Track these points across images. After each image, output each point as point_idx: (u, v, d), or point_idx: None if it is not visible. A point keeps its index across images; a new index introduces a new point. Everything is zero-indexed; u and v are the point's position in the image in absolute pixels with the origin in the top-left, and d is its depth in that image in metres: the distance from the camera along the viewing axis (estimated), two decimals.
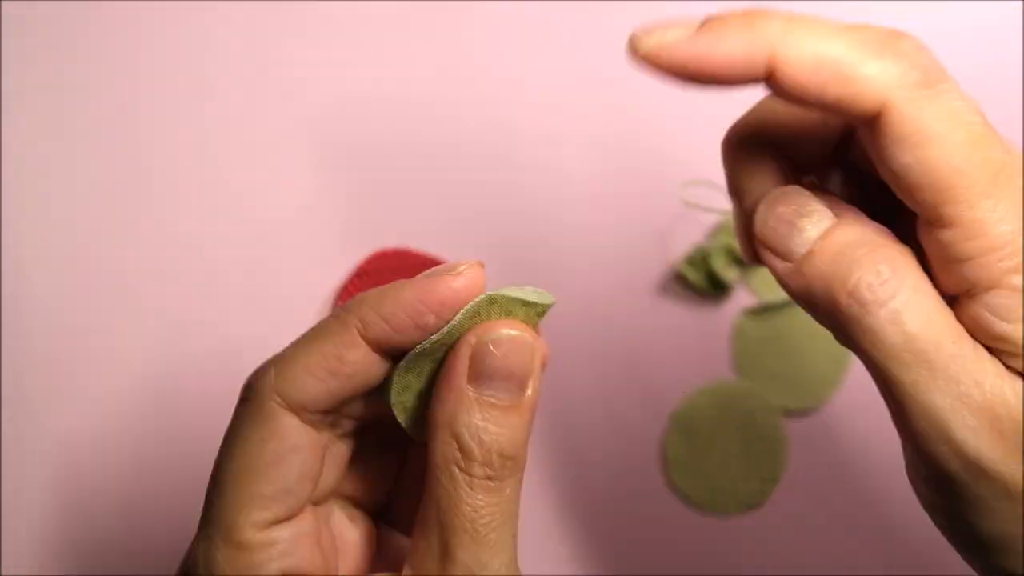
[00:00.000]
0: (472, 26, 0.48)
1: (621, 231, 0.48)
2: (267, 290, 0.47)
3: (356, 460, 0.28)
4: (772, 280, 0.52)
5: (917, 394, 0.22)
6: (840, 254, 0.23)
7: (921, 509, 0.27)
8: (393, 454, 0.30)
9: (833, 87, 0.22)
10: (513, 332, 0.25)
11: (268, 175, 0.47)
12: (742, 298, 0.48)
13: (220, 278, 0.47)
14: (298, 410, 0.25)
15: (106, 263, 0.46)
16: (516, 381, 0.24)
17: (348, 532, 0.28)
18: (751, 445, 0.46)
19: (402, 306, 0.24)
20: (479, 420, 0.24)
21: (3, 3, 0.47)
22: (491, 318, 0.25)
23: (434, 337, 0.25)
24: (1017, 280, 0.22)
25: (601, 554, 0.47)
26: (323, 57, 0.48)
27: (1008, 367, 0.22)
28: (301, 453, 0.25)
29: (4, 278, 0.46)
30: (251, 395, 0.26)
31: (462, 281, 0.24)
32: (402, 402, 0.26)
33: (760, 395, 0.47)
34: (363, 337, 0.25)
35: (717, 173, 0.49)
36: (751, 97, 0.43)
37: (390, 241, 0.47)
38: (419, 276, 0.25)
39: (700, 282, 0.47)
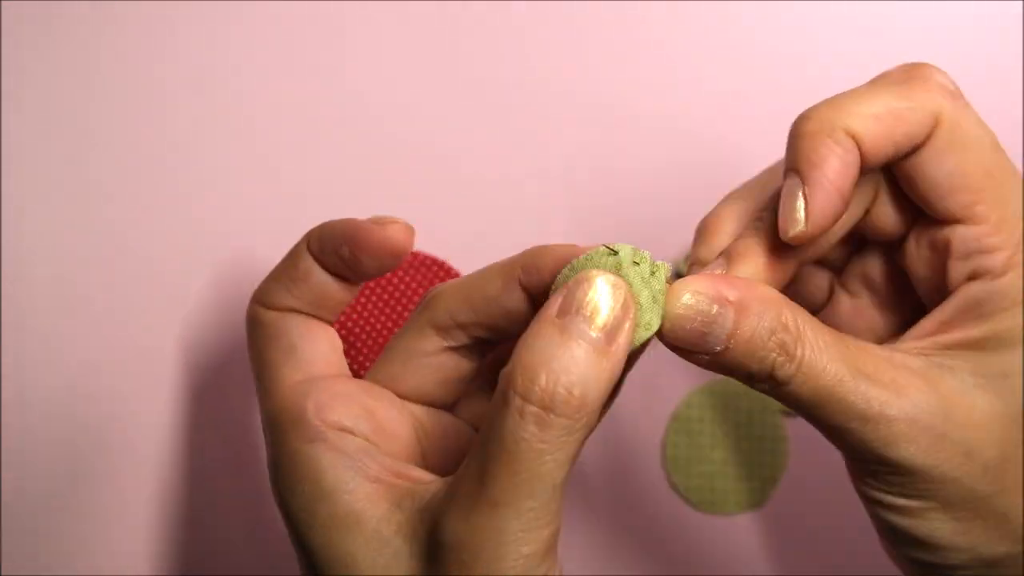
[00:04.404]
0: (473, 27, 0.48)
1: (621, 231, 0.48)
2: None
3: (484, 393, 0.32)
4: None
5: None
6: (749, 345, 0.26)
7: None
8: None
9: (899, 128, 0.25)
10: (615, 277, 0.24)
11: (267, 175, 0.47)
12: None
13: (220, 278, 0.47)
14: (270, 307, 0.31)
15: (106, 263, 0.46)
16: (607, 325, 0.24)
17: (451, 432, 0.31)
18: (751, 445, 0.47)
19: (332, 231, 0.29)
20: (555, 350, 0.23)
21: (3, 3, 0.47)
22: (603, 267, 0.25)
23: (558, 279, 0.26)
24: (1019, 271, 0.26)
25: (601, 554, 0.47)
26: (323, 58, 0.48)
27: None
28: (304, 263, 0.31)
29: (4, 279, 0.46)
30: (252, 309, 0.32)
31: (387, 231, 0.28)
32: None
33: (760, 395, 0.47)
34: (308, 249, 0.30)
35: (712, 172, 0.49)
36: (744, 101, 0.42)
37: None
38: (365, 218, 0.29)
39: None
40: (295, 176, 0.47)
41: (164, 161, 0.47)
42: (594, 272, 0.24)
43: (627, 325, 0.24)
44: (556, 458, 0.24)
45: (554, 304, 0.24)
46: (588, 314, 0.24)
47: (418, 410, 0.30)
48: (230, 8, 0.48)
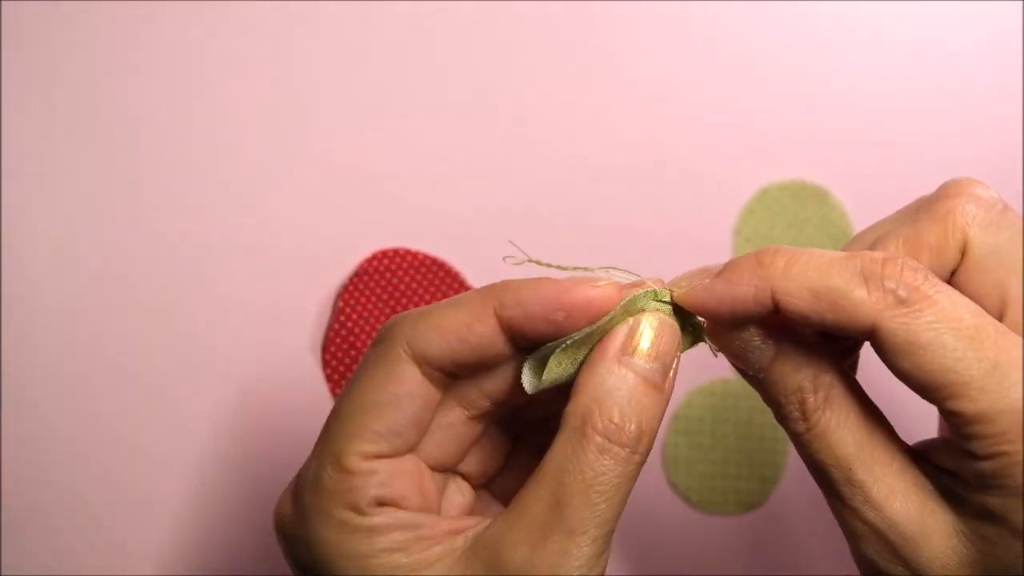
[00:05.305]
0: (474, 27, 0.48)
1: (619, 231, 0.48)
2: (267, 290, 0.47)
3: (480, 445, 0.31)
4: None
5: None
6: (776, 387, 0.28)
7: None
8: (509, 441, 0.32)
9: (830, 314, 0.25)
10: (668, 319, 0.27)
11: (268, 175, 0.47)
12: None
13: (220, 278, 0.47)
14: (420, 362, 0.27)
15: (106, 264, 0.46)
16: (663, 363, 0.26)
17: (456, 497, 0.31)
18: (751, 445, 0.47)
19: (540, 298, 0.26)
20: (625, 390, 0.26)
21: (3, 3, 0.47)
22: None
23: (590, 328, 0.26)
24: (1012, 462, 0.25)
25: None
26: (323, 58, 0.48)
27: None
28: (416, 401, 0.27)
29: (4, 278, 0.46)
30: (384, 339, 0.27)
31: (599, 292, 0.26)
32: (552, 380, 0.27)
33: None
34: (497, 315, 0.27)
35: (705, 172, 0.49)
36: (745, 128, 0.42)
37: (390, 241, 0.47)
38: (563, 279, 0.27)
39: None
40: (295, 177, 0.47)
41: (164, 161, 0.47)
42: (652, 314, 0.27)
43: (675, 364, 0.27)
44: (627, 490, 0.26)
45: (616, 343, 0.26)
46: (652, 354, 0.26)
47: (437, 477, 0.30)
48: (230, 8, 0.48)
